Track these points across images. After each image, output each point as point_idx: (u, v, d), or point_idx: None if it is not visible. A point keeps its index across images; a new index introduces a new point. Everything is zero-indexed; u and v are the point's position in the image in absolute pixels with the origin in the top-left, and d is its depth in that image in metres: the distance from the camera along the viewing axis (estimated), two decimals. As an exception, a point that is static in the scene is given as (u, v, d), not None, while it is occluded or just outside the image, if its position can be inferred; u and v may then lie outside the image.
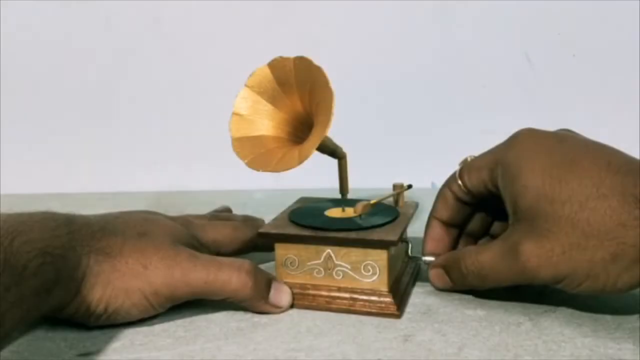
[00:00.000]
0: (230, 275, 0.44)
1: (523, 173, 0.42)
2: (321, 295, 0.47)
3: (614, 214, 0.39)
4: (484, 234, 0.52)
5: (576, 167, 0.41)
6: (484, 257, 0.44)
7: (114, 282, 0.42)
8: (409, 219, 0.49)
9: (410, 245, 0.50)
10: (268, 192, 0.79)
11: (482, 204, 0.49)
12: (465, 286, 0.46)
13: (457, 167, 0.49)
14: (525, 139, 0.44)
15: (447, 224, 0.50)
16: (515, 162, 0.43)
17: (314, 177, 0.67)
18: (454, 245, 0.50)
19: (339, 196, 0.53)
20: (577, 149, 0.43)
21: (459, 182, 0.48)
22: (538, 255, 0.40)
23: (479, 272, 0.44)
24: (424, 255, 0.50)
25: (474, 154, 0.49)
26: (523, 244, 0.41)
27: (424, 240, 0.50)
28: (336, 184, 0.53)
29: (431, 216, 0.50)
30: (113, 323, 0.43)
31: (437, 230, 0.50)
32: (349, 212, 0.49)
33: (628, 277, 0.39)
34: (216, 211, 0.60)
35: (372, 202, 0.48)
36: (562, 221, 0.40)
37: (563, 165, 0.41)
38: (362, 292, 0.46)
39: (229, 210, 0.62)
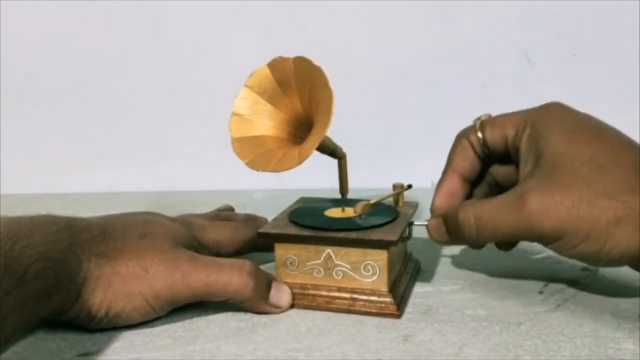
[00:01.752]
0: (231, 277, 0.44)
1: (551, 133, 0.43)
2: (321, 295, 0.47)
3: (628, 180, 0.40)
4: None
5: (600, 136, 0.42)
6: (486, 207, 0.43)
7: (114, 286, 0.42)
8: (409, 219, 0.49)
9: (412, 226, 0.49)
10: (268, 192, 0.79)
11: (487, 167, 0.49)
12: (459, 238, 0.45)
13: (473, 121, 0.48)
14: (556, 107, 0.45)
15: (463, 178, 0.48)
16: (545, 123, 0.44)
17: (314, 177, 0.67)
18: None
19: (339, 196, 0.53)
20: (602, 124, 0.44)
21: (479, 134, 0.47)
22: (546, 205, 0.40)
23: (477, 222, 0.43)
24: (431, 210, 0.48)
25: (490, 113, 0.48)
26: (532, 193, 0.41)
27: (435, 194, 0.48)
28: (336, 184, 0.53)
29: (447, 169, 0.48)
30: (114, 326, 0.43)
31: (454, 183, 0.48)
32: (349, 212, 0.49)
33: (625, 244, 0.39)
34: (219, 210, 0.60)
35: (372, 202, 0.48)
36: (578, 179, 0.40)
37: (589, 132, 0.43)
38: (362, 292, 0.46)
39: (231, 209, 0.62)
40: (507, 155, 0.47)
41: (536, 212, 0.40)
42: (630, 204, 0.39)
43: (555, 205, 0.40)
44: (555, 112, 0.45)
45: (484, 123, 0.47)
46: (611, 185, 0.40)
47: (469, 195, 0.49)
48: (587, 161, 0.41)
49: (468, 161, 0.48)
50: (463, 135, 0.48)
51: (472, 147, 0.48)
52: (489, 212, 0.43)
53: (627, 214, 0.39)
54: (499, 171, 0.49)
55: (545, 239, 0.41)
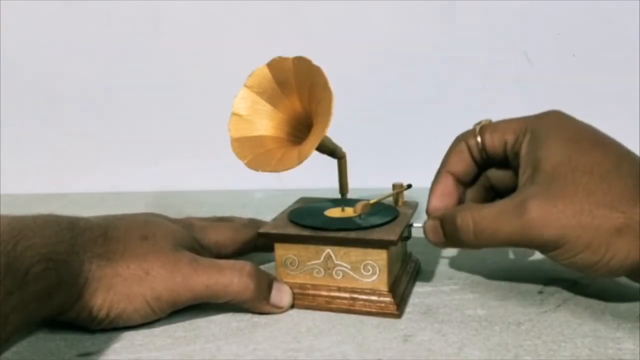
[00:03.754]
0: (232, 279, 0.44)
1: (551, 140, 0.43)
2: (321, 295, 0.47)
3: (629, 191, 0.40)
4: None
5: (601, 146, 0.43)
6: (485, 211, 0.43)
7: (116, 287, 0.42)
8: (409, 218, 0.49)
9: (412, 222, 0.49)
10: (268, 192, 0.79)
11: (482, 171, 0.49)
12: (455, 242, 0.45)
13: (473, 126, 0.48)
14: (556, 114, 0.46)
15: (458, 180, 0.48)
16: (545, 131, 0.44)
17: (314, 177, 0.67)
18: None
19: (338, 196, 0.53)
20: (602, 133, 0.44)
21: (478, 138, 0.47)
22: (548, 212, 0.40)
23: (475, 226, 0.43)
24: (427, 213, 0.48)
25: (490, 119, 0.48)
26: (534, 200, 0.41)
27: (430, 196, 0.48)
28: (336, 184, 0.53)
29: (442, 170, 0.48)
30: (114, 327, 0.43)
31: (448, 184, 0.48)
32: (349, 212, 0.49)
33: (624, 254, 0.39)
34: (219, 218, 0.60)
35: (371, 202, 0.48)
36: (579, 188, 0.40)
37: (590, 141, 0.43)
38: (362, 292, 0.46)
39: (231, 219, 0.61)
40: (505, 161, 0.47)
41: (537, 219, 0.40)
42: (630, 215, 0.39)
43: (556, 214, 0.40)
44: (555, 120, 0.45)
45: (483, 128, 0.47)
46: (612, 195, 0.40)
47: (461, 198, 0.49)
48: (588, 171, 0.41)
49: (463, 164, 0.48)
50: (461, 139, 0.48)
51: (470, 150, 0.48)
52: (488, 217, 0.42)
53: (627, 225, 0.39)
54: (495, 175, 0.49)
55: (545, 247, 0.41)
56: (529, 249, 0.57)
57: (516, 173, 0.45)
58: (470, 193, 0.50)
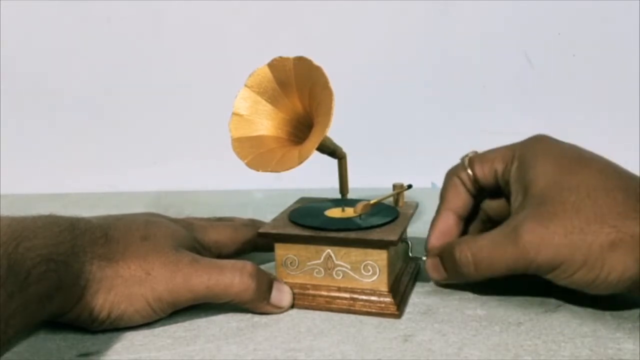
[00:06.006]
0: (233, 279, 0.44)
1: (538, 164, 0.44)
2: (321, 295, 0.47)
3: (617, 205, 0.40)
4: None
5: (587, 164, 0.43)
6: (481, 242, 0.43)
7: (116, 288, 0.42)
8: (409, 219, 0.49)
9: (411, 245, 0.50)
10: (268, 192, 0.79)
11: (478, 203, 0.49)
12: (457, 276, 0.45)
13: (459, 161, 0.49)
14: (541, 139, 0.47)
15: (457, 216, 0.49)
16: (532, 156, 0.45)
17: (314, 177, 0.67)
18: None
19: (339, 196, 0.53)
20: (587, 152, 0.45)
21: (469, 171, 0.48)
22: (539, 235, 0.40)
23: (474, 258, 0.43)
24: (426, 252, 0.49)
25: (476, 150, 0.49)
26: (526, 225, 0.41)
27: (429, 235, 0.49)
28: (336, 184, 0.53)
29: (441, 208, 0.49)
30: (115, 328, 0.43)
31: (449, 222, 0.49)
32: (349, 212, 0.49)
33: (621, 269, 0.39)
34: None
35: (372, 202, 0.48)
36: (567, 206, 0.41)
37: (575, 160, 0.44)
38: (362, 292, 0.46)
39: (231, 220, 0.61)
40: (499, 190, 0.48)
41: (530, 243, 0.41)
42: (621, 228, 0.39)
43: (548, 235, 0.40)
44: (540, 144, 0.46)
45: (472, 160, 0.48)
46: (601, 210, 0.40)
47: (463, 233, 0.50)
48: (574, 189, 0.41)
49: (461, 199, 0.49)
50: (453, 174, 0.49)
51: (464, 184, 0.49)
52: (485, 248, 0.43)
53: (620, 239, 0.39)
54: (490, 206, 0.50)
55: (543, 269, 0.42)
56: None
57: (509, 202, 0.46)
58: (473, 229, 0.51)
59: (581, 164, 0.43)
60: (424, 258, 0.49)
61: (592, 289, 0.41)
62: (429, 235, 0.49)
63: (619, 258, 0.39)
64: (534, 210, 0.42)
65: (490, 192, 0.49)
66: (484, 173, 0.48)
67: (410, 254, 0.50)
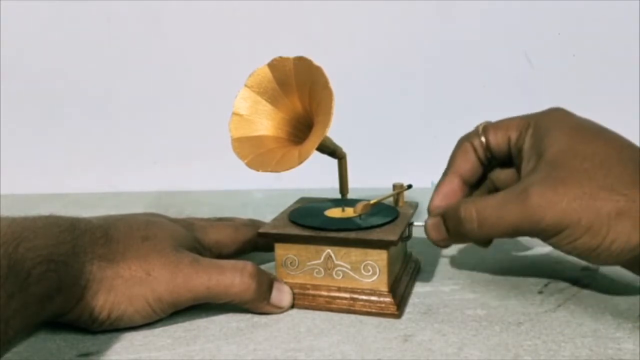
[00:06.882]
0: (233, 279, 0.44)
1: (553, 132, 0.44)
2: (321, 295, 0.47)
3: (629, 175, 0.40)
4: None
5: (601, 135, 0.43)
6: (488, 201, 0.43)
7: (117, 289, 0.42)
8: (409, 219, 0.49)
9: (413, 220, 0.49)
10: (268, 192, 0.79)
11: (486, 174, 0.49)
12: (460, 235, 0.45)
13: (475, 127, 0.48)
14: (558, 110, 0.47)
15: (463, 180, 0.48)
16: (547, 124, 0.45)
17: (314, 177, 0.67)
18: None
19: (339, 196, 0.53)
20: (602, 126, 0.45)
21: (482, 138, 0.48)
22: (548, 198, 0.40)
23: (478, 215, 0.43)
24: (429, 211, 0.48)
25: (490, 121, 0.49)
26: (535, 187, 0.41)
27: (433, 196, 0.48)
28: (336, 184, 0.53)
29: (448, 171, 0.49)
30: (115, 328, 0.43)
31: (454, 185, 0.48)
32: (349, 212, 0.49)
33: (625, 238, 0.39)
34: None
35: (372, 202, 0.48)
36: (580, 173, 0.41)
37: (591, 131, 0.44)
38: (362, 292, 0.46)
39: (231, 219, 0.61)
40: (509, 160, 0.48)
41: (538, 205, 0.40)
42: (631, 197, 0.39)
43: (557, 198, 0.40)
44: (557, 115, 0.46)
45: (487, 127, 0.48)
46: (612, 179, 0.40)
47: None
48: (589, 157, 0.41)
49: (469, 164, 0.48)
50: (465, 139, 0.49)
51: (475, 150, 0.48)
52: (491, 206, 0.43)
53: (628, 207, 0.39)
54: (499, 176, 0.49)
55: (547, 232, 0.41)
56: (530, 246, 0.57)
57: (519, 171, 0.46)
58: (475, 195, 0.50)
59: (596, 135, 0.43)
60: (416, 223, 0.48)
61: (593, 257, 0.41)
62: (433, 196, 0.48)
63: (624, 227, 0.39)
64: (546, 175, 0.41)
65: (500, 161, 0.48)
66: (497, 140, 0.47)
67: (412, 222, 0.49)
